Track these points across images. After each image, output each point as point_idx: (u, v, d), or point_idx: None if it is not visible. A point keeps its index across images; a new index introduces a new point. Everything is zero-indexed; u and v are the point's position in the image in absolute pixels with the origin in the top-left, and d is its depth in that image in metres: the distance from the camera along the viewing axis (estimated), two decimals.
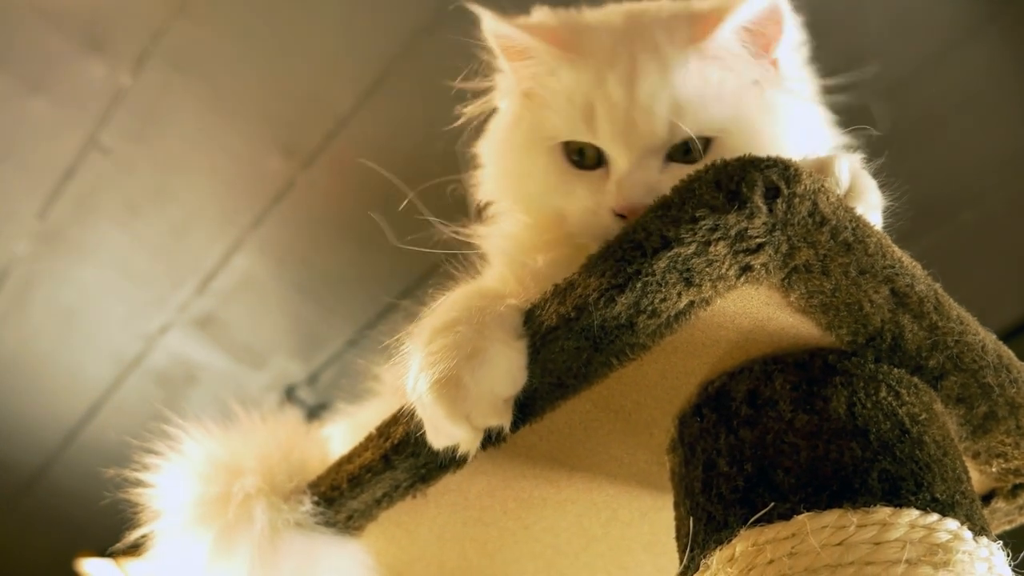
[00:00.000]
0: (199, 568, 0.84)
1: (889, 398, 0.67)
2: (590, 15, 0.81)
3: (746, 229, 0.62)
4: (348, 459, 0.84)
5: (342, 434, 0.96)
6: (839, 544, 0.59)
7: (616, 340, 0.68)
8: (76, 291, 2.36)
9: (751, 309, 0.67)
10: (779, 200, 0.61)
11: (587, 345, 0.68)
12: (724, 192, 0.62)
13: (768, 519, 0.62)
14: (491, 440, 0.72)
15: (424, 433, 0.73)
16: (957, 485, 0.64)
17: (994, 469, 0.76)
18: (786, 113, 0.76)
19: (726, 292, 0.65)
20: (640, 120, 0.74)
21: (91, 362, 2.52)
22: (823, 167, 0.68)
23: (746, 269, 0.64)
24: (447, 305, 0.74)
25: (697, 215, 0.62)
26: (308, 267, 2.26)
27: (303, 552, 0.83)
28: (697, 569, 0.65)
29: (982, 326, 0.71)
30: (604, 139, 0.76)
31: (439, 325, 0.70)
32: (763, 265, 0.63)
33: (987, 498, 0.79)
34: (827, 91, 0.83)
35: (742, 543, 0.62)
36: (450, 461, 0.77)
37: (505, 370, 0.68)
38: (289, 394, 2.50)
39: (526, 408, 0.73)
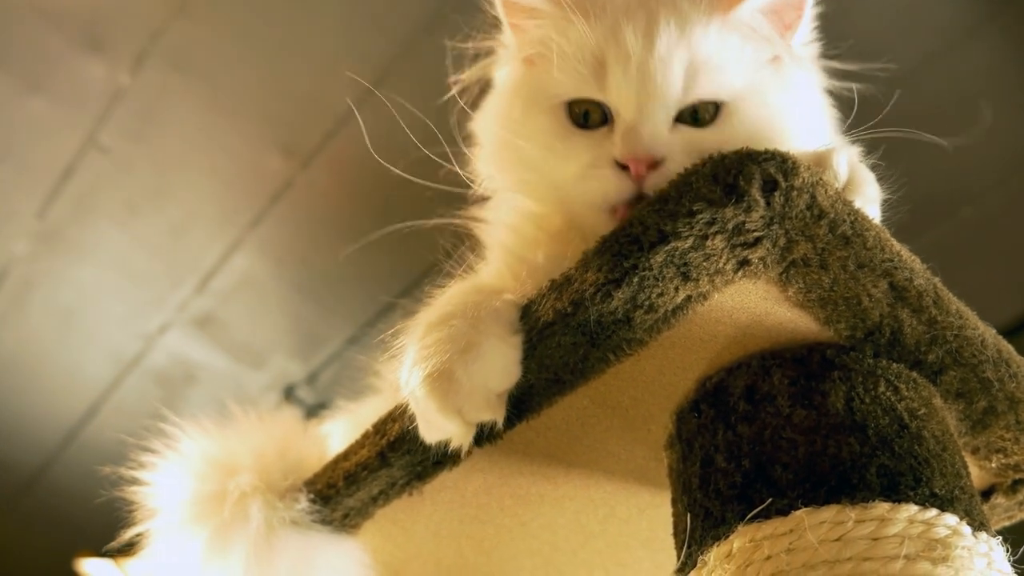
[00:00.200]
0: (195, 566, 0.83)
1: (888, 393, 0.66)
2: None
3: (743, 223, 0.61)
4: (344, 456, 0.83)
5: (342, 431, 0.95)
6: (837, 540, 0.59)
7: (613, 335, 0.67)
8: (75, 291, 2.36)
9: (749, 304, 0.67)
10: (777, 193, 0.61)
11: (584, 341, 0.68)
12: (721, 185, 0.61)
13: (766, 515, 0.62)
14: (485, 436, 0.72)
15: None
16: (956, 480, 0.64)
17: (994, 464, 0.76)
18: (799, 95, 0.76)
19: (724, 287, 0.65)
20: (657, 71, 0.72)
21: (90, 362, 2.52)
22: (821, 160, 0.67)
23: (744, 263, 0.63)
24: (443, 300, 0.74)
25: (694, 209, 0.61)
26: (307, 267, 2.26)
27: (299, 550, 0.83)
28: (695, 565, 0.65)
29: (982, 321, 0.71)
30: (613, 93, 0.74)
31: (434, 319, 0.70)
32: (761, 259, 0.63)
33: (987, 494, 0.79)
34: (837, 76, 0.83)
35: (739, 539, 0.62)
36: (446, 458, 0.77)
37: (499, 365, 0.67)
38: (288, 393, 2.50)
39: (523, 404, 0.73)
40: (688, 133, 0.72)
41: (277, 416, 0.95)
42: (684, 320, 0.67)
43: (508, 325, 0.70)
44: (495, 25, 0.84)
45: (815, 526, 0.60)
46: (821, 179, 0.62)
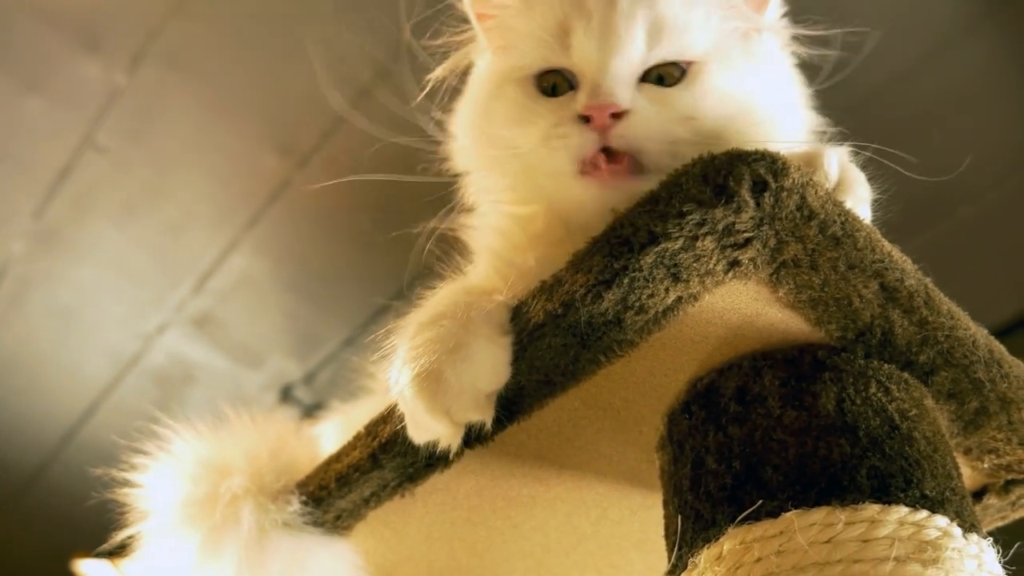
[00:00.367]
0: (188, 569, 0.83)
1: (879, 394, 0.66)
2: None
3: (733, 223, 0.61)
4: (336, 458, 0.83)
5: (335, 432, 0.95)
6: (827, 542, 0.59)
7: (604, 337, 0.67)
8: (73, 291, 2.36)
9: (739, 305, 0.67)
10: (767, 194, 0.61)
11: (574, 342, 0.67)
12: (711, 186, 0.61)
13: (756, 517, 0.62)
14: (474, 438, 0.72)
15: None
16: (947, 481, 0.64)
17: (986, 465, 0.75)
18: (769, 69, 0.75)
19: (714, 287, 0.65)
20: (619, 25, 0.71)
21: (88, 362, 2.52)
22: (811, 160, 0.67)
23: (734, 264, 0.63)
24: (434, 301, 0.74)
25: (684, 210, 0.61)
26: (305, 266, 2.26)
27: (291, 552, 0.83)
28: (685, 568, 0.64)
29: (980, 321, 0.70)
30: (576, 54, 0.73)
31: (424, 320, 0.70)
32: (751, 260, 0.63)
33: (979, 494, 0.78)
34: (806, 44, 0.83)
35: (730, 541, 0.62)
36: (438, 460, 0.76)
37: (488, 365, 0.67)
38: (286, 393, 2.50)
39: (514, 406, 0.72)
40: (654, 91, 0.71)
41: (270, 418, 0.95)
42: (675, 321, 0.67)
43: (498, 326, 0.69)
44: (464, 20, 0.84)
45: (805, 528, 0.59)
46: (811, 180, 0.62)
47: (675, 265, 0.63)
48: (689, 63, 0.72)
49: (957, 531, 0.60)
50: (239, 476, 0.85)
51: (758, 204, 0.60)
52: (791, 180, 0.61)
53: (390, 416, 0.77)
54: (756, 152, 0.62)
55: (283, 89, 1.93)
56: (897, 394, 0.67)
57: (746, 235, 0.61)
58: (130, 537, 0.88)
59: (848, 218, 0.63)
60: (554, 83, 0.75)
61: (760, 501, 0.62)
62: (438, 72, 0.84)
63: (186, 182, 2.13)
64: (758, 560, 0.60)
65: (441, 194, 0.88)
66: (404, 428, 0.73)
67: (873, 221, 0.74)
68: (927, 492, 0.62)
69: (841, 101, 1.84)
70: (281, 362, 2.46)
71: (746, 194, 0.60)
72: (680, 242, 0.62)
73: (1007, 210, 1.97)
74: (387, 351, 0.73)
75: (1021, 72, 1.81)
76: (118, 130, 2.03)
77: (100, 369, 2.53)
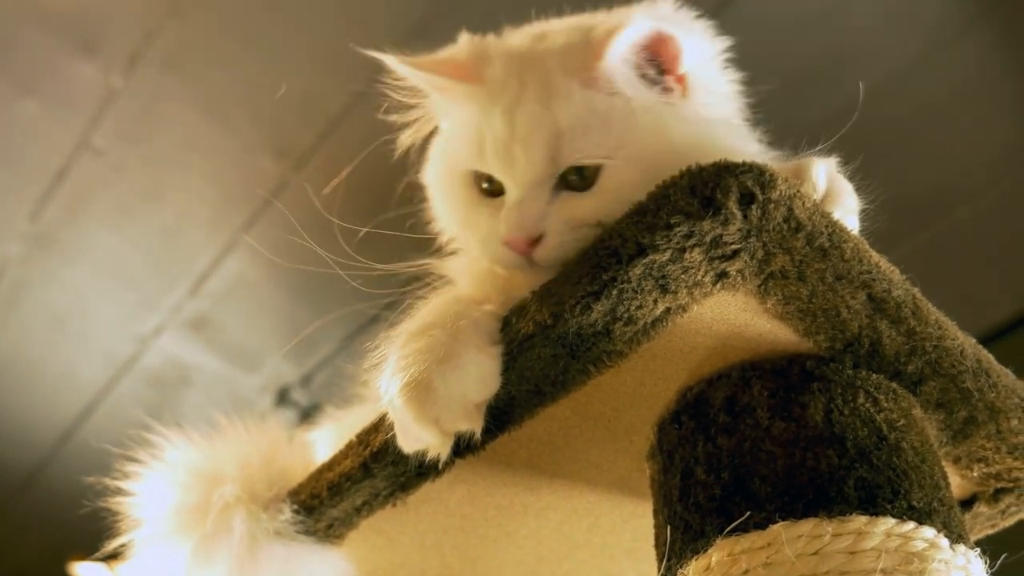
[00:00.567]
0: None
1: (867, 404, 0.66)
2: (503, 41, 0.80)
3: (721, 235, 0.61)
4: (328, 467, 0.83)
5: (329, 438, 0.95)
6: (814, 554, 0.59)
7: (593, 347, 0.67)
8: (69, 293, 2.36)
9: (728, 315, 0.67)
10: (754, 206, 0.61)
11: (564, 352, 0.68)
12: (699, 198, 0.61)
13: (744, 528, 0.62)
14: (465, 447, 0.72)
15: None
16: (935, 492, 0.64)
17: (975, 474, 0.75)
18: (690, 130, 0.74)
19: (703, 299, 0.65)
20: (519, 152, 0.73)
21: (84, 364, 2.52)
22: (799, 172, 0.67)
23: (722, 276, 0.63)
24: (425, 310, 0.74)
25: (672, 222, 0.61)
26: (302, 268, 2.25)
27: (283, 561, 0.83)
28: None
29: (978, 321, 0.70)
30: (494, 170, 0.76)
31: (415, 329, 0.70)
32: (739, 271, 0.63)
33: (969, 503, 0.79)
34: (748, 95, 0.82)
35: (718, 553, 0.62)
36: (429, 469, 0.77)
37: (477, 375, 0.67)
38: (283, 396, 2.50)
39: (504, 416, 0.73)
40: (569, 200, 0.72)
41: (262, 425, 0.95)
42: (664, 332, 0.67)
43: (488, 336, 0.70)
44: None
45: (792, 540, 0.59)
46: (798, 191, 0.62)
47: (663, 277, 0.63)
48: (597, 166, 0.73)
49: (944, 542, 0.60)
50: (231, 484, 0.85)
51: (745, 216, 0.61)
52: (778, 192, 0.61)
53: (381, 425, 0.77)
54: (744, 164, 0.62)
55: (279, 92, 1.93)
56: (885, 404, 0.67)
57: (734, 247, 0.62)
58: (123, 545, 0.88)
59: (835, 229, 0.64)
60: (488, 177, 0.77)
61: (748, 512, 0.62)
62: (404, 139, 0.85)
63: (182, 184, 2.13)
64: (745, 572, 0.60)
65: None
66: (395, 437, 0.73)
67: (866, 228, 0.74)
68: (915, 503, 0.62)
69: (834, 105, 1.84)
70: (278, 364, 2.46)
71: (733, 206, 0.60)
72: (668, 254, 0.62)
73: (1004, 211, 1.97)
74: (378, 360, 0.73)
75: (1016, 72, 1.81)
76: (114, 132, 2.03)
77: (96, 371, 2.53)
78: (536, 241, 0.72)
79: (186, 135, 2.03)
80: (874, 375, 0.68)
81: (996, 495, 0.77)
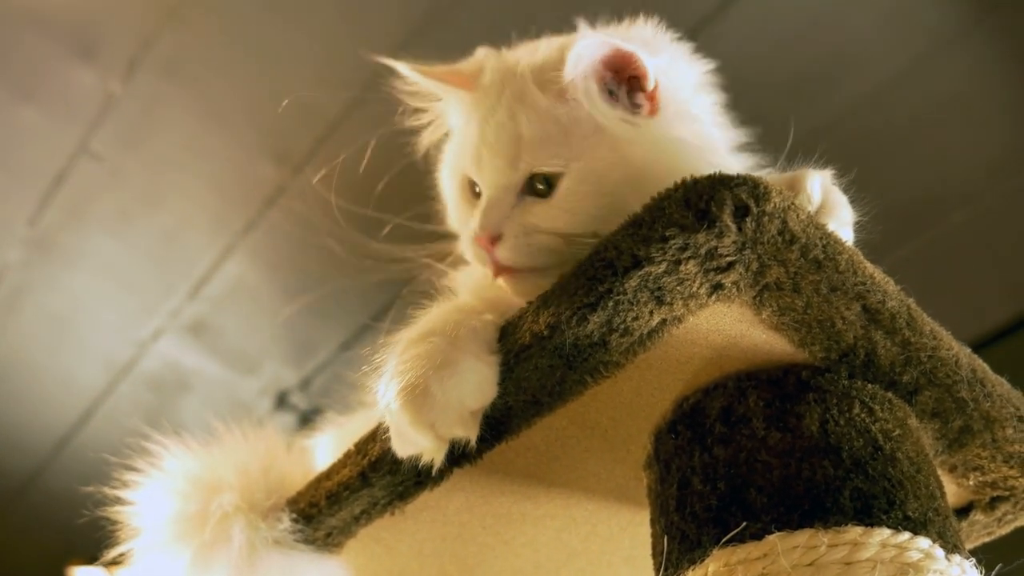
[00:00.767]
0: None
1: (862, 414, 0.66)
2: (504, 54, 0.84)
3: (716, 248, 0.61)
4: (326, 476, 0.83)
5: (330, 445, 0.96)
6: (810, 564, 0.59)
7: (589, 358, 0.68)
8: (68, 298, 2.36)
9: (724, 326, 0.67)
10: (748, 218, 0.61)
11: (560, 363, 0.68)
12: (693, 211, 0.61)
13: (740, 539, 0.62)
14: (462, 456, 0.72)
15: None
16: (930, 502, 0.64)
17: (971, 483, 0.76)
18: (649, 149, 0.75)
19: (698, 310, 0.65)
20: (486, 157, 0.78)
21: (83, 369, 2.52)
22: (794, 184, 0.68)
23: (717, 287, 0.63)
24: (425, 319, 0.74)
25: (667, 234, 0.62)
26: (300, 272, 2.26)
27: (281, 570, 0.83)
28: None
29: (974, 325, 0.71)
30: (471, 173, 0.81)
31: (414, 336, 0.71)
32: (734, 283, 0.63)
33: (966, 510, 0.79)
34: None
35: (714, 563, 0.62)
36: (427, 478, 0.77)
37: (474, 382, 0.68)
38: (282, 400, 2.50)
39: (502, 425, 0.73)
40: (530, 206, 0.76)
41: (260, 432, 0.95)
42: (660, 342, 0.67)
43: (486, 344, 0.70)
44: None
45: (788, 550, 0.60)
46: (792, 203, 0.63)
47: (659, 288, 0.63)
48: (558, 174, 0.76)
49: (939, 552, 0.61)
50: (230, 493, 0.86)
51: (740, 228, 0.61)
52: (772, 204, 0.61)
53: (379, 434, 0.77)
54: (738, 176, 0.62)
55: (277, 96, 1.93)
56: (881, 414, 0.67)
57: (728, 259, 0.62)
58: (122, 554, 0.88)
59: (830, 241, 0.64)
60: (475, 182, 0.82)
61: (744, 523, 0.62)
62: (423, 143, 0.91)
63: (181, 189, 2.13)
64: None
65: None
66: (391, 445, 0.74)
67: (862, 237, 0.75)
68: (910, 513, 0.62)
69: (832, 110, 1.85)
70: (277, 368, 2.46)
71: (728, 219, 0.61)
72: (663, 266, 0.62)
73: (1000, 215, 1.98)
74: (377, 367, 0.74)
75: (1013, 77, 1.82)
76: (113, 138, 2.03)
77: (95, 376, 2.53)
78: (497, 240, 0.76)
79: (185, 140, 2.03)
80: (869, 385, 0.69)
81: (992, 503, 0.78)
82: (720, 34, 1.68)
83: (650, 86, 0.76)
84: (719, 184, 0.62)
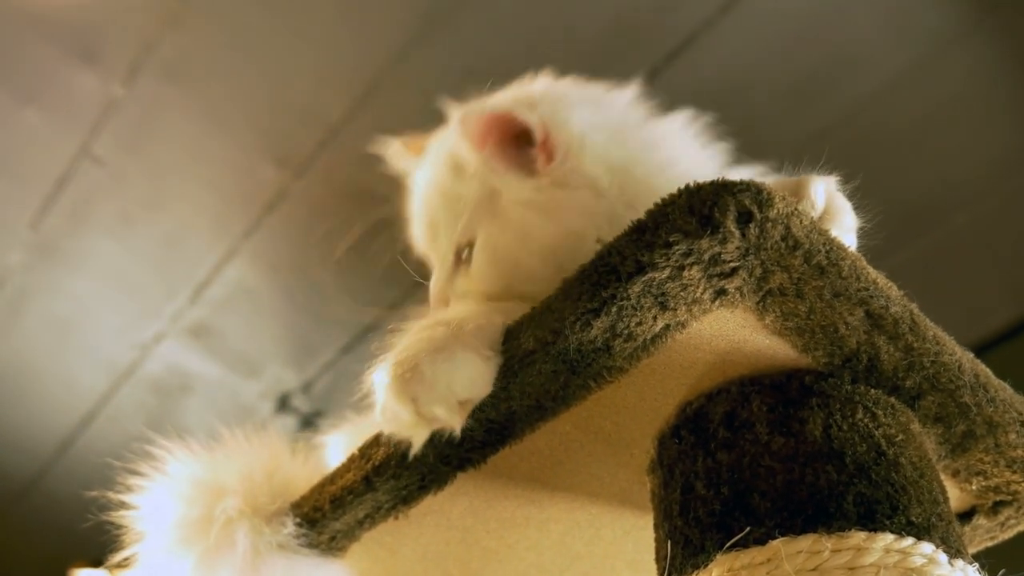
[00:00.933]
0: None
1: (865, 420, 0.66)
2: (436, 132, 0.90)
3: (719, 254, 0.61)
4: (331, 480, 0.84)
5: (344, 444, 0.95)
6: (813, 570, 0.59)
7: (593, 363, 0.68)
8: (70, 301, 2.37)
9: (727, 331, 0.67)
10: (752, 224, 0.61)
11: (564, 368, 0.68)
12: (697, 217, 0.62)
13: (744, 544, 0.62)
14: (465, 460, 0.72)
15: (405, 455, 0.73)
16: (933, 507, 0.64)
17: (974, 487, 0.76)
18: (532, 212, 0.79)
19: (701, 315, 0.65)
20: (418, 229, 0.87)
21: (85, 372, 2.52)
22: (798, 190, 0.68)
23: (721, 293, 0.64)
24: (436, 313, 0.77)
25: (671, 240, 0.62)
26: (301, 276, 2.26)
27: (285, 574, 0.83)
28: None
29: (976, 327, 0.71)
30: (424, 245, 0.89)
31: (419, 327, 0.72)
32: (737, 289, 0.63)
33: (968, 515, 0.79)
34: None
35: (718, 568, 0.62)
36: (431, 482, 0.77)
37: (467, 373, 0.68)
38: (284, 402, 2.50)
39: (506, 430, 0.73)
40: (461, 274, 0.82)
41: (264, 436, 0.96)
42: (663, 348, 0.67)
43: (488, 341, 0.71)
44: None
45: (792, 556, 0.60)
46: (796, 210, 0.63)
47: (662, 294, 0.63)
48: (469, 243, 0.81)
49: (943, 558, 0.61)
50: (234, 497, 0.86)
51: (743, 235, 0.61)
52: (776, 210, 0.61)
53: (383, 439, 0.77)
54: (741, 182, 0.62)
55: (279, 100, 1.94)
56: (884, 419, 0.67)
57: (732, 265, 0.62)
58: (126, 558, 0.88)
59: (833, 247, 0.64)
60: None
61: (748, 528, 0.63)
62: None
63: (183, 193, 2.14)
64: None
65: None
66: (397, 451, 0.74)
67: (865, 243, 0.75)
68: (913, 518, 0.62)
69: (832, 112, 1.85)
70: (279, 371, 2.47)
71: (731, 225, 0.61)
72: (667, 272, 0.62)
73: (1002, 216, 1.98)
74: (381, 358, 0.74)
75: (1014, 79, 1.82)
76: (115, 141, 2.04)
77: (97, 379, 2.54)
78: (448, 304, 0.82)
79: (186, 144, 2.04)
80: (872, 390, 0.69)
81: (995, 508, 0.78)
82: (720, 37, 1.69)
83: (538, 138, 0.78)
84: (722, 190, 0.62)
